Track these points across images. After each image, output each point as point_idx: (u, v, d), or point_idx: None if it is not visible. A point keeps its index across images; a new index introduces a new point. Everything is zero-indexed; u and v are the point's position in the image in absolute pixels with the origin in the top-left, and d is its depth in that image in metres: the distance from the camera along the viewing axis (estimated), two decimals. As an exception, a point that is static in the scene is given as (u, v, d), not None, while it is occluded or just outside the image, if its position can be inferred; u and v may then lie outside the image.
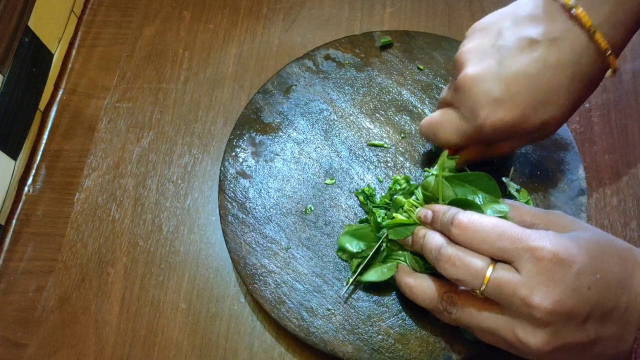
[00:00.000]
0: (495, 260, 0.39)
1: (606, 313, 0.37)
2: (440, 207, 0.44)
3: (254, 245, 0.53)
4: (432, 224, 0.44)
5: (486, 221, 0.40)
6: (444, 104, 0.49)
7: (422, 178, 0.54)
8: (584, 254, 0.37)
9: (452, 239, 0.41)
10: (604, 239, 0.39)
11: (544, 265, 0.36)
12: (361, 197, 0.54)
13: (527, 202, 0.51)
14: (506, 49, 0.43)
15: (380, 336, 0.48)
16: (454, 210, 0.42)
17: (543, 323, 0.36)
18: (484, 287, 0.38)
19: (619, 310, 0.37)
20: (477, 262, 0.39)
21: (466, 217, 0.40)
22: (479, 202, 0.45)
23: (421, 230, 0.44)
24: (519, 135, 0.45)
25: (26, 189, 0.62)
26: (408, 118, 0.58)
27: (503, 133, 0.44)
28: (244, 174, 0.56)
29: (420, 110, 0.59)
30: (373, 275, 0.48)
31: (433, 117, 0.49)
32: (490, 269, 0.38)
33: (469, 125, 0.45)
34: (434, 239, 0.42)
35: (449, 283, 0.43)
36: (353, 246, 0.50)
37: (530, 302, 0.36)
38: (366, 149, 0.57)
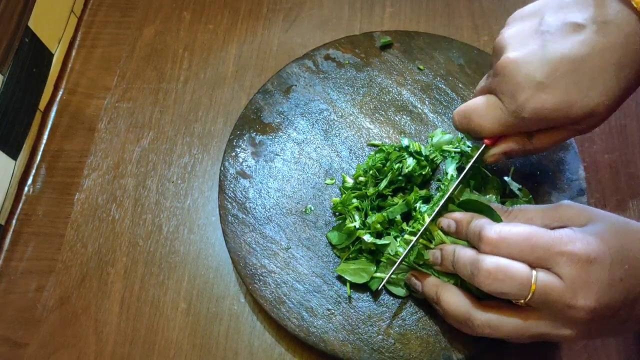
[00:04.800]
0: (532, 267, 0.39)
1: (636, 297, 0.38)
2: (462, 217, 0.44)
3: (254, 245, 0.53)
4: (457, 234, 0.44)
5: (515, 232, 0.39)
6: (480, 93, 0.46)
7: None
8: (611, 248, 0.37)
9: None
10: (620, 225, 0.40)
11: (581, 267, 0.37)
12: (338, 201, 0.53)
13: (528, 201, 0.51)
14: (550, 33, 0.41)
15: (380, 336, 0.48)
16: (478, 222, 0.41)
17: (584, 321, 0.38)
18: (529, 296, 0.38)
19: None
20: (521, 271, 0.38)
21: (494, 232, 0.40)
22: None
23: (449, 247, 0.44)
24: (562, 123, 0.43)
25: (26, 189, 0.62)
26: (408, 118, 0.58)
27: (545, 120, 0.42)
28: (244, 174, 0.56)
29: (420, 110, 0.59)
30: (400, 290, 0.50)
31: (467, 103, 0.46)
32: (534, 275, 0.38)
33: (507, 110, 0.43)
34: (465, 254, 0.41)
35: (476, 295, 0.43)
36: (335, 240, 0.52)
37: (575, 305, 0.37)
38: (366, 149, 0.57)
